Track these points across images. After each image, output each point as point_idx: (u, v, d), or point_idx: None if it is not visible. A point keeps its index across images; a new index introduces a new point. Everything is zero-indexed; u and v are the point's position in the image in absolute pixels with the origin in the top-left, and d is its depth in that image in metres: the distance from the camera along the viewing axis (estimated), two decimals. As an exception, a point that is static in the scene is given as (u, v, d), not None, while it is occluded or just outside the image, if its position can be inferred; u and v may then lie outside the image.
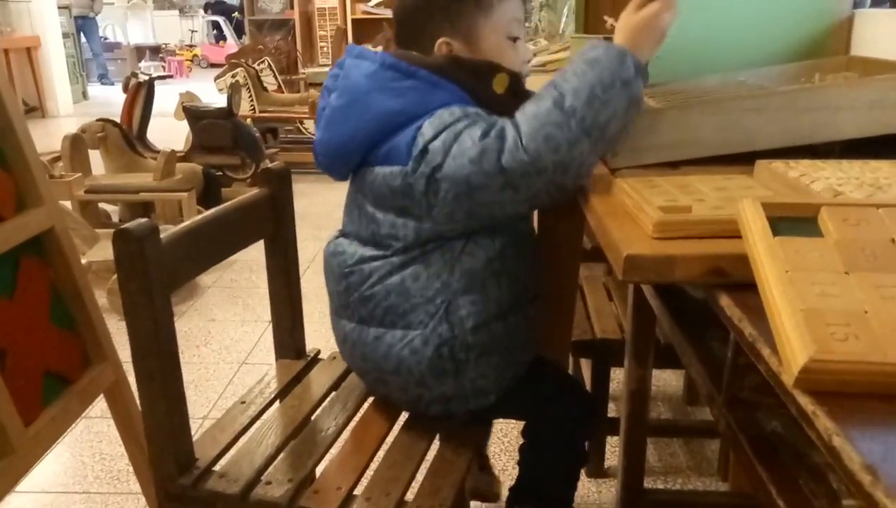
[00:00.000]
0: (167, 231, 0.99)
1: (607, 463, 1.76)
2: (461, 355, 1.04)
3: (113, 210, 3.69)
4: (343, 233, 1.17)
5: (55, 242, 1.23)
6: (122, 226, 0.92)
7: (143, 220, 0.94)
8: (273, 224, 1.27)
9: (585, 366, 1.79)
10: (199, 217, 1.09)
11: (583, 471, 1.74)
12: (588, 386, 1.75)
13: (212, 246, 1.10)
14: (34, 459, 1.10)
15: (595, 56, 0.92)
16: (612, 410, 1.87)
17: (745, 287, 0.66)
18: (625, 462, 1.42)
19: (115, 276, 2.51)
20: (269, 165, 1.28)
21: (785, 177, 0.84)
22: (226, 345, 2.42)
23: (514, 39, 1.08)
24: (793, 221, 0.64)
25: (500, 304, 1.06)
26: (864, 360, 0.50)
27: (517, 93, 1.04)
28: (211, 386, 2.14)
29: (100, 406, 2.04)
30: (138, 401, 0.98)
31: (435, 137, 0.96)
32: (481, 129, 0.94)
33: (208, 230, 1.09)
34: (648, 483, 1.61)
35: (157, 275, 0.93)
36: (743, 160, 0.97)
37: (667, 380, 2.15)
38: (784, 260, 0.59)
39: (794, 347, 0.52)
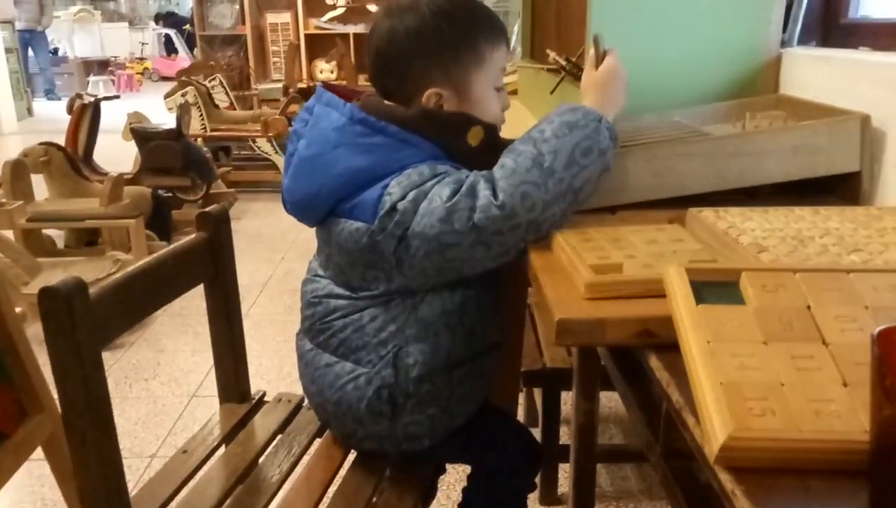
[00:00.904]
0: (97, 285, 0.97)
1: (560, 490, 1.77)
2: (399, 400, 1.04)
3: (58, 235, 3.60)
4: (320, 263, 1.15)
5: (-14, 293, 1.19)
6: (47, 286, 0.90)
7: (71, 277, 0.91)
8: (212, 268, 1.24)
9: (538, 394, 1.79)
10: (133, 268, 1.07)
11: (536, 499, 1.76)
12: (539, 414, 1.76)
13: (147, 296, 1.08)
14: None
15: (574, 120, 0.92)
16: (564, 434, 1.88)
17: (673, 348, 0.68)
18: (574, 492, 1.43)
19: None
20: (206, 209, 1.25)
21: (714, 229, 0.86)
22: (175, 378, 2.37)
23: (499, 89, 1.07)
24: (716, 286, 0.65)
25: (449, 356, 1.05)
26: (780, 437, 0.51)
27: (493, 147, 1.02)
28: (160, 422, 2.10)
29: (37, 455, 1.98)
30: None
31: (403, 197, 0.94)
32: (450, 188, 0.92)
33: (143, 281, 1.07)
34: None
35: (86, 334, 0.91)
36: (677, 204, 0.99)
37: (617, 403, 2.18)
38: (706, 329, 0.60)
39: (714, 424, 0.53)
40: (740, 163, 1.01)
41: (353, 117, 0.99)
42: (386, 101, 1.05)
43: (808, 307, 0.62)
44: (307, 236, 3.89)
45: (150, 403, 2.19)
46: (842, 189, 1.06)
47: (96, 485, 0.94)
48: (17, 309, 1.38)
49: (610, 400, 2.17)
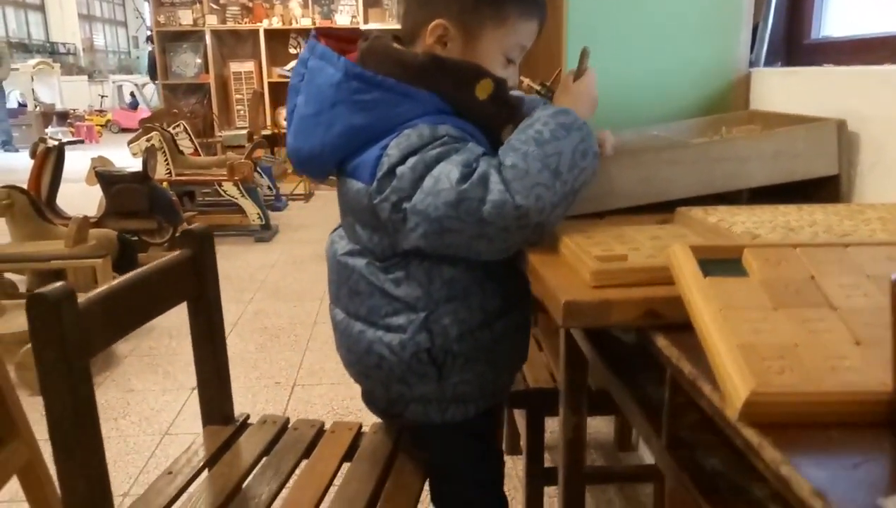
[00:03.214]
0: (83, 297, 0.95)
1: (545, 515, 1.74)
2: (445, 360, 1.01)
3: (20, 280, 3.50)
4: (341, 225, 1.12)
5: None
6: (36, 291, 0.87)
7: (59, 284, 0.89)
8: (196, 286, 1.23)
9: (519, 418, 1.78)
10: (118, 280, 1.05)
11: (521, 525, 1.73)
12: (523, 437, 1.75)
13: (132, 309, 1.06)
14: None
15: (569, 122, 0.92)
16: (546, 460, 1.87)
17: (679, 328, 0.69)
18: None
19: (25, 349, 2.39)
20: (190, 226, 1.24)
21: (705, 223, 0.88)
22: (146, 416, 2.30)
23: (509, 62, 1.02)
24: (720, 263, 0.67)
25: (485, 312, 1.02)
26: (801, 391, 0.52)
27: (501, 102, 0.99)
28: (131, 460, 2.03)
29: (8, 488, 1.90)
30: (55, 479, 0.91)
31: (402, 161, 0.91)
32: (459, 171, 0.88)
33: (128, 293, 1.05)
34: (587, 533, 1.61)
35: (75, 342, 0.88)
36: (661, 209, 1.01)
37: (597, 427, 2.17)
38: (716, 299, 0.61)
39: (735, 382, 0.53)
40: (724, 168, 1.04)
41: (348, 73, 0.95)
42: (395, 45, 1.00)
43: (812, 277, 0.63)
44: (275, 277, 3.87)
45: (121, 442, 2.12)
46: (821, 194, 1.09)
47: (84, 502, 0.91)
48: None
49: (589, 427, 2.16)
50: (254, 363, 2.72)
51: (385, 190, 0.92)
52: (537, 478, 1.70)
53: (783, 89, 1.28)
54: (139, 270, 1.10)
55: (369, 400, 1.17)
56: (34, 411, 1.28)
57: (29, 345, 2.42)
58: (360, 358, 1.07)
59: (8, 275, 3.33)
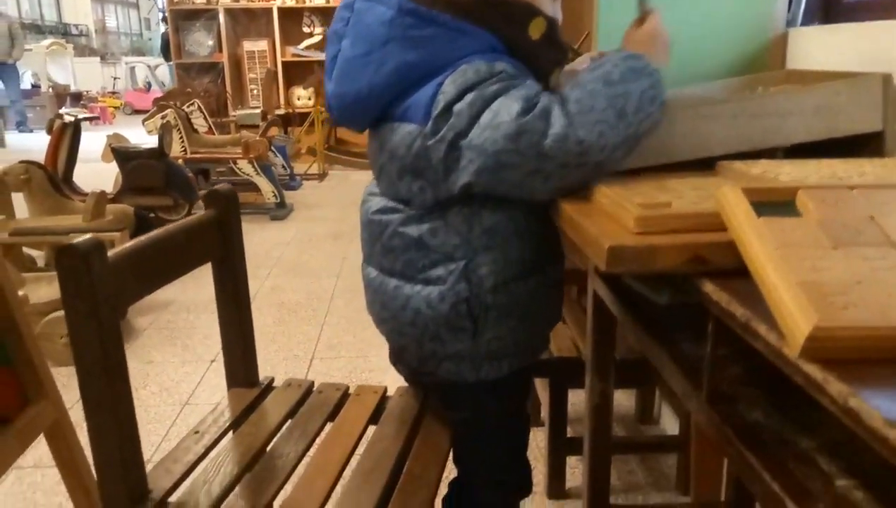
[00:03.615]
0: (112, 251, 0.93)
1: (568, 484, 1.73)
2: (480, 314, 0.99)
3: (38, 255, 3.51)
4: (374, 182, 1.10)
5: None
6: (66, 244, 0.86)
7: (88, 235, 0.88)
8: (221, 247, 1.21)
9: (541, 391, 1.77)
10: (146, 236, 1.03)
11: (544, 493, 1.72)
12: (545, 408, 1.74)
13: (159, 266, 1.05)
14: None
15: (640, 67, 0.89)
16: (567, 432, 1.85)
17: (726, 274, 0.67)
18: (590, 477, 1.39)
19: (46, 320, 2.39)
20: (215, 187, 1.23)
21: (748, 175, 0.86)
22: (166, 387, 2.31)
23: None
24: (772, 205, 0.65)
25: (522, 264, 1.00)
26: (868, 326, 0.50)
27: (552, 42, 0.97)
28: (153, 428, 2.03)
29: (31, 455, 1.91)
30: (82, 438, 0.90)
31: (459, 98, 0.88)
32: (520, 104, 0.85)
33: (155, 250, 1.04)
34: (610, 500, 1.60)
35: (104, 294, 0.87)
36: (698, 166, 0.99)
37: (618, 400, 2.16)
38: (772, 238, 0.59)
39: (796, 318, 0.51)
40: (763, 124, 1.01)
41: (401, 8, 0.92)
42: None
43: (872, 217, 0.61)
44: (292, 254, 3.86)
45: (142, 412, 2.12)
46: (863, 152, 1.06)
47: (112, 452, 0.90)
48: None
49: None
50: (272, 336, 2.72)
51: (441, 128, 0.90)
52: (560, 448, 1.69)
53: (822, 48, 1.25)
54: (165, 228, 1.09)
55: (399, 359, 1.16)
56: (55, 381, 1.28)
57: (49, 317, 2.43)
58: (394, 314, 1.05)
59: (27, 251, 3.34)
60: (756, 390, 0.79)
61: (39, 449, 1.93)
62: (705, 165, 0.97)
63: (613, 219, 0.78)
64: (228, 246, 1.22)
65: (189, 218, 1.16)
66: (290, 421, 1.19)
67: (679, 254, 0.69)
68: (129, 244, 0.98)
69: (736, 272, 0.66)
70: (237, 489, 0.98)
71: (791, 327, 0.52)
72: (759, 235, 0.59)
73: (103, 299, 0.87)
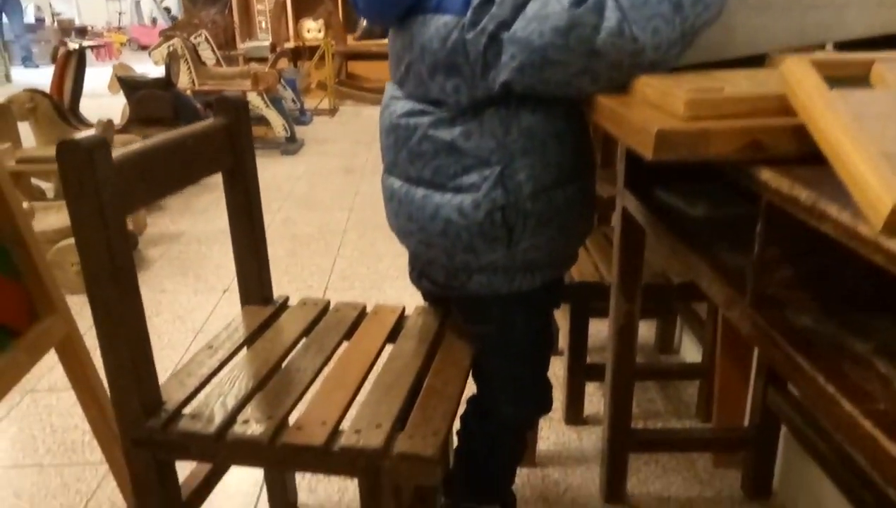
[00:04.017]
0: (117, 151, 0.88)
1: (586, 411, 1.71)
2: (517, 222, 0.94)
3: (47, 187, 3.47)
4: (396, 84, 1.03)
5: (-11, 181, 1.10)
6: (67, 139, 0.81)
7: (91, 132, 0.82)
8: (231, 157, 1.16)
9: (559, 318, 1.73)
10: (153, 139, 0.98)
11: (561, 420, 1.70)
12: (564, 336, 1.70)
13: (167, 171, 1.00)
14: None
15: None
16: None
17: (785, 162, 0.61)
18: (612, 401, 1.36)
19: (55, 248, 2.36)
20: (224, 94, 1.17)
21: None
22: (179, 315, 2.29)
23: None
24: (843, 80, 0.58)
25: (561, 170, 0.95)
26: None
27: None
28: (166, 355, 2.02)
29: (46, 379, 1.90)
30: (97, 363, 0.87)
31: None
32: None
33: (163, 154, 0.99)
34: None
35: (109, 194, 0.83)
36: (745, 65, 0.91)
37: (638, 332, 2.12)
38: (846, 111, 0.53)
39: (877, 191, 0.46)
40: (817, 17, 0.93)
41: None
42: None
43: (955, 88, 0.55)
44: (303, 188, 3.81)
45: (155, 339, 2.07)
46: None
47: (124, 361, 0.87)
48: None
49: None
50: (284, 268, 2.68)
51: (481, 19, 0.83)
52: (579, 374, 1.65)
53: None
54: (173, 132, 1.04)
55: (424, 274, 1.11)
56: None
57: (60, 244, 2.40)
58: (422, 225, 0.99)
59: (35, 182, 3.30)
60: (806, 293, 0.74)
61: (54, 373, 1.92)
62: (754, 63, 0.90)
63: (659, 108, 0.72)
64: (239, 155, 1.17)
65: (197, 123, 1.11)
66: (305, 338, 1.16)
67: (735, 138, 0.63)
68: (135, 146, 0.92)
69: (795, 159, 0.60)
70: (253, 401, 0.95)
71: (872, 201, 0.46)
72: (832, 107, 0.53)
73: (108, 200, 0.82)
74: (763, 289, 0.74)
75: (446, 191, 0.95)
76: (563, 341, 1.76)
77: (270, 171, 4.15)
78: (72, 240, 2.51)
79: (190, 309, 2.34)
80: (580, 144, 0.97)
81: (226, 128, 1.14)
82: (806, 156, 0.59)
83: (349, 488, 1.48)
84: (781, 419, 1.33)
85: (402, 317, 1.23)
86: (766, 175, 0.61)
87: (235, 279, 1.25)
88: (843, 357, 0.65)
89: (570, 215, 0.98)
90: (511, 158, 0.91)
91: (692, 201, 1.07)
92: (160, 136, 1.00)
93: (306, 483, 1.49)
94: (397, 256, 2.81)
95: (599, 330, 2.09)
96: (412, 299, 1.24)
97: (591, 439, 1.63)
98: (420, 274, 1.12)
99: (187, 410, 0.93)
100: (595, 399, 1.78)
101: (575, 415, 1.69)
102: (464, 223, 0.94)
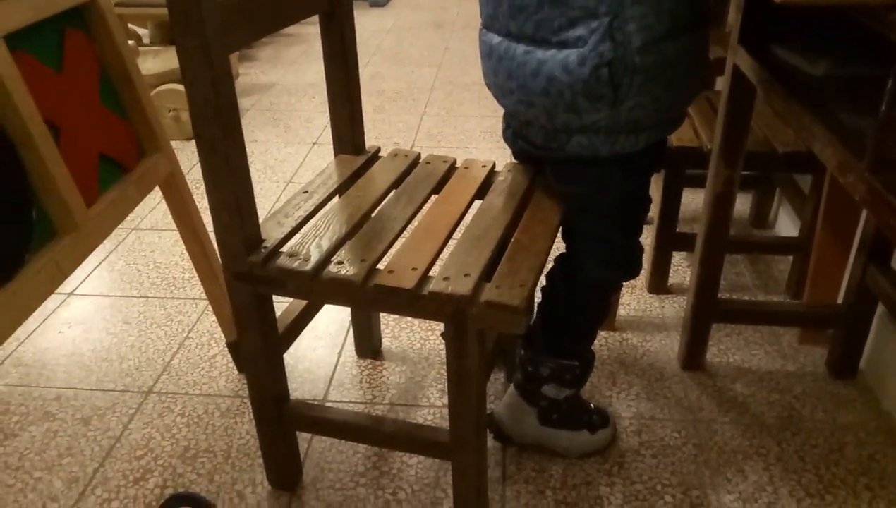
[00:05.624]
0: None
1: (670, 281, 1.70)
2: (623, 79, 0.90)
3: (143, 33, 3.53)
4: None
5: (100, 17, 1.11)
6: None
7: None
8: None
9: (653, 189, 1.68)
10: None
11: (644, 287, 1.70)
12: (656, 202, 1.66)
13: (266, 12, 0.99)
14: (97, 240, 1.05)
15: None
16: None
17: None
18: (701, 269, 1.35)
19: (153, 93, 2.43)
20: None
21: None
22: (270, 165, 2.35)
23: None
24: None
25: (674, 19, 0.89)
26: None
27: None
28: (258, 203, 2.07)
29: (150, 218, 2.01)
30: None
31: None
32: None
33: (263, -7, 0.97)
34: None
35: (214, 31, 0.83)
36: None
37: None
38: None
39: None
40: None
41: None
42: None
43: None
44: (391, 42, 3.74)
45: (248, 186, 2.18)
46: None
47: (227, 198, 0.90)
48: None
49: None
50: (372, 123, 2.69)
51: None
52: (667, 242, 1.63)
53: None
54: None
55: (519, 134, 1.08)
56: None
57: (157, 89, 2.46)
58: (523, 83, 0.95)
59: (132, 27, 3.35)
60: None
61: (157, 213, 2.03)
62: None
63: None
64: None
65: (295, -36, 1.08)
66: (396, 189, 1.17)
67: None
68: (236, -18, 0.91)
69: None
70: (346, 245, 0.98)
71: None
72: None
73: (213, 36, 0.82)
74: (885, 152, 0.69)
75: (550, 47, 0.91)
76: (653, 210, 1.73)
77: (359, 24, 4.04)
78: (169, 86, 2.57)
79: (280, 159, 2.39)
80: None
81: (322, -32, 1.11)
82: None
83: (429, 338, 1.55)
84: (880, 297, 1.28)
85: (492, 173, 1.22)
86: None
87: (324, 132, 1.27)
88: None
89: (681, 71, 0.93)
90: (621, 7, 0.86)
91: (813, 59, 0.99)
92: (259, -26, 0.98)
93: (390, 331, 1.57)
94: (485, 117, 2.77)
95: (691, 200, 2.04)
96: (500, 160, 1.23)
97: (674, 308, 1.63)
98: (515, 133, 1.10)
99: (285, 249, 0.96)
100: (680, 269, 1.77)
101: (658, 284, 1.68)
102: (567, 80, 0.90)
